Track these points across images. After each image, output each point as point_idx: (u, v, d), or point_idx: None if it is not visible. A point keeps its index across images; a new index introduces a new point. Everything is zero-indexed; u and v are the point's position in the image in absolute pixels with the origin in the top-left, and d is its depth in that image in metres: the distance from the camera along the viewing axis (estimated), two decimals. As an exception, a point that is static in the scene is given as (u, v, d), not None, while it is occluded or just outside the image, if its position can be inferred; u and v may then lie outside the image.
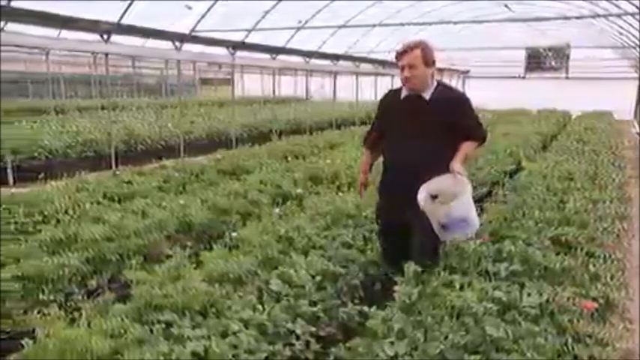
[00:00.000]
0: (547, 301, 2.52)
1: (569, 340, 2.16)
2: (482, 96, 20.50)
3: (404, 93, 2.89)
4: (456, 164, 2.71)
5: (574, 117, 17.08)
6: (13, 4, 5.69)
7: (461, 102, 2.92)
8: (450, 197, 2.59)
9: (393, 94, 3.04)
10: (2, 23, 5.85)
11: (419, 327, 2.47)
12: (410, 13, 11.72)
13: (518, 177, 6.22)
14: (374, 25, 11.15)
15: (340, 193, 5.44)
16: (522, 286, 2.76)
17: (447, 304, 2.60)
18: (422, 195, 2.61)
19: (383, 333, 2.47)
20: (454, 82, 22.95)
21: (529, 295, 2.59)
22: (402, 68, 2.74)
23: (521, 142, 8.99)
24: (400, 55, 2.76)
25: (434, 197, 2.64)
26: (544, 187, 5.20)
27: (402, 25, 11.52)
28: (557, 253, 3.22)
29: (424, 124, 2.79)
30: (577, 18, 11.14)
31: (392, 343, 2.36)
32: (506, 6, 10.82)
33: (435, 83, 2.83)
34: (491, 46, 16.85)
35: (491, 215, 4.23)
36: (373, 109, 13.20)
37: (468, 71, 22.68)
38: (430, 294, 2.78)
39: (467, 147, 2.84)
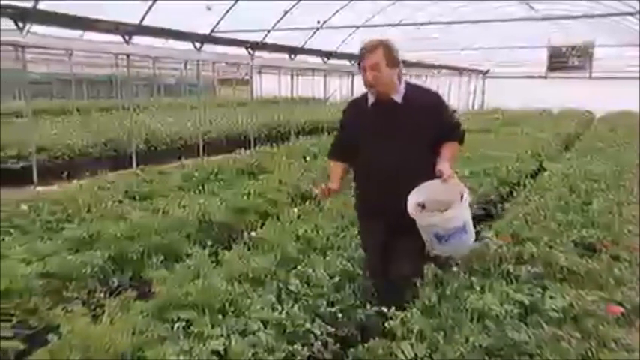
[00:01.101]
0: (570, 304, 2.47)
1: (594, 345, 2.11)
2: (502, 96, 20.33)
3: (371, 99, 2.58)
4: (445, 167, 2.38)
5: (598, 117, 16.75)
6: (39, 6, 5.81)
7: (436, 101, 2.62)
8: (443, 205, 2.25)
9: (359, 102, 2.70)
10: (28, 25, 5.98)
11: (439, 329, 2.45)
12: (429, 12, 11.64)
13: (540, 178, 6.12)
14: (393, 25, 11.08)
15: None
16: (544, 288, 2.71)
17: (468, 307, 2.58)
18: (411, 203, 2.31)
19: (402, 334, 2.45)
20: (473, 82, 22.74)
21: (552, 298, 2.55)
22: (364, 70, 2.45)
23: (543, 143, 8.85)
24: (361, 56, 2.47)
25: (421, 206, 2.32)
26: (567, 188, 5.10)
27: (422, 24, 11.45)
28: (581, 256, 3.16)
29: (400, 129, 2.50)
30: (601, 16, 10.90)
31: (412, 344, 2.34)
32: (528, 4, 10.65)
33: (404, 84, 2.55)
34: (512, 46, 16.61)
35: (512, 216, 4.17)
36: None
37: (487, 71, 22.40)
38: (450, 296, 2.76)
39: (450, 148, 2.56)
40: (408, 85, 2.57)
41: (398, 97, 2.51)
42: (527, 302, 2.53)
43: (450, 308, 2.62)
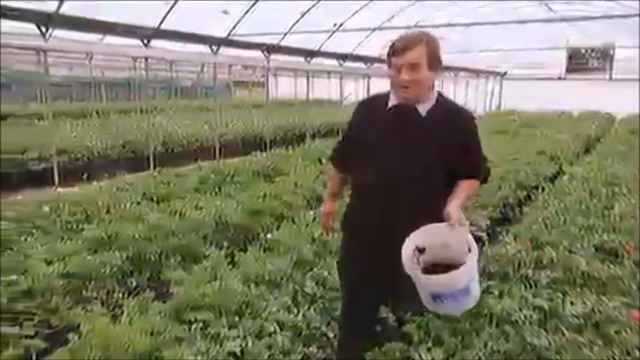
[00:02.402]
0: (592, 310, 2.43)
1: (617, 353, 2.07)
2: (520, 98, 20.08)
3: (392, 101, 2.02)
4: (454, 209, 1.84)
5: (618, 119, 16.46)
6: (61, 11, 5.93)
7: (467, 124, 2.03)
8: (447, 251, 1.83)
9: (376, 101, 2.13)
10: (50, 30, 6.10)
11: (456, 333, 2.43)
12: (447, 14, 11.57)
13: (559, 181, 6.03)
14: (409, 27, 11.04)
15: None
16: (565, 294, 2.67)
17: (486, 311, 2.55)
18: (408, 250, 1.80)
19: (419, 338, 2.44)
20: (491, 84, 22.51)
21: (572, 303, 2.51)
22: (399, 69, 1.88)
23: (562, 145, 8.72)
24: (398, 50, 1.89)
25: (420, 251, 1.86)
26: (587, 192, 5.02)
27: (439, 26, 11.38)
28: (602, 261, 3.10)
29: (416, 145, 1.95)
30: (622, 17, 10.71)
31: (429, 349, 2.33)
32: (546, 5, 10.52)
33: (436, 94, 2.00)
34: (530, 47, 16.42)
35: (531, 220, 4.12)
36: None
37: (505, 73, 22.18)
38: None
39: (466, 187, 2.00)
40: (440, 96, 2.01)
41: (423, 109, 1.96)
42: (546, 307, 2.49)
43: (468, 312, 2.60)
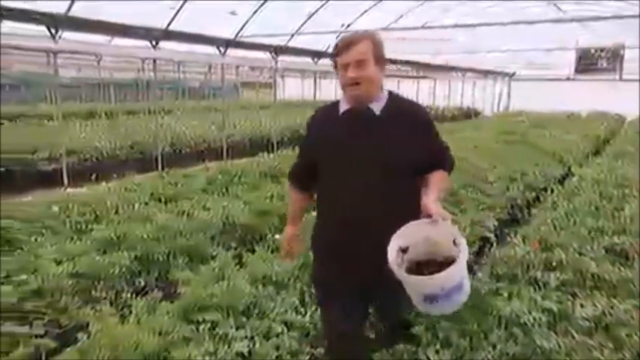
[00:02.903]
0: (602, 313, 2.41)
1: (628, 356, 2.05)
2: (528, 99, 19.97)
3: (344, 106, 1.94)
4: (432, 204, 1.76)
5: (628, 120, 16.31)
6: (70, 14, 5.98)
7: (424, 117, 1.99)
8: (434, 246, 1.75)
9: (327, 110, 2.05)
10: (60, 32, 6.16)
11: (465, 335, 2.42)
12: (454, 15, 11.53)
13: (568, 183, 5.98)
14: (417, 28, 11.02)
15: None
16: (574, 296, 2.65)
17: (494, 313, 2.54)
18: (392, 253, 1.70)
19: (427, 340, 2.43)
20: (499, 85, 22.41)
21: (582, 306, 2.49)
22: (346, 67, 1.84)
23: (571, 147, 8.65)
24: (343, 49, 1.85)
25: (403, 251, 1.76)
26: (597, 193, 4.98)
27: (447, 27, 11.35)
28: (613, 263, 3.07)
29: (376, 146, 1.87)
30: (632, 17, 10.60)
31: (437, 351, 2.32)
32: (555, 5, 10.45)
33: (386, 93, 1.95)
34: (539, 48, 16.31)
35: (540, 222, 4.09)
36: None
37: (513, 73, 22.07)
38: (476, 302, 2.72)
39: (438, 179, 1.93)
40: (391, 94, 1.96)
41: (377, 108, 1.89)
42: (556, 310, 2.48)
43: (476, 314, 2.59)
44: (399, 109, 1.92)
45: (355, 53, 1.83)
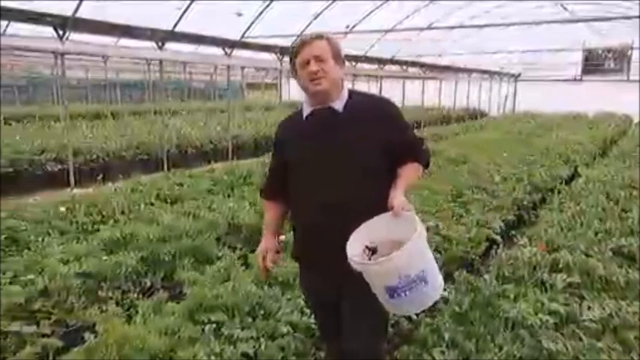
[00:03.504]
0: (610, 315, 2.39)
1: (636, 359, 2.04)
2: (534, 100, 19.88)
3: (307, 110, 1.91)
4: (398, 196, 1.70)
5: (636, 121, 16.21)
6: (77, 15, 6.01)
7: (387, 109, 1.90)
8: (397, 245, 1.58)
9: (292, 117, 2.02)
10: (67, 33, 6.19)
11: (470, 337, 2.41)
12: (459, 15, 11.49)
13: (575, 184, 5.95)
14: (422, 29, 10.99)
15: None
16: (582, 298, 2.64)
17: (501, 315, 2.53)
18: (353, 249, 1.64)
19: (433, 341, 2.42)
20: (505, 86, 22.32)
21: (589, 308, 2.48)
22: (305, 64, 1.80)
23: (578, 148, 8.60)
24: (300, 47, 1.83)
25: (372, 250, 1.67)
26: (603, 195, 4.95)
27: (452, 28, 11.32)
28: (620, 266, 3.05)
29: (340, 146, 1.81)
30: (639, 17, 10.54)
31: (442, 352, 2.31)
32: (562, 5, 10.40)
33: (347, 91, 1.91)
34: (545, 48, 16.23)
35: (546, 223, 4.07)
36: (414, 116, 12.93)
37: (519, 74, 21.98)
38: (482, 303, 2.71)
39: (408, 172, 1.84)
40: (352, 92, 1.92)
41: (339, 105, 1.85)
42: (563, 312, 2.47)
43: (482, 316, 2.58)
44: (361, 104, 1.87)
45: (314, 48, 1.80)
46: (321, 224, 1.82)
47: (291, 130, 1.96)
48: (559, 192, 5.39)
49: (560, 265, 3.09)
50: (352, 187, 1.78)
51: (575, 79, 19.01)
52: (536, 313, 2.44)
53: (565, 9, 10.50)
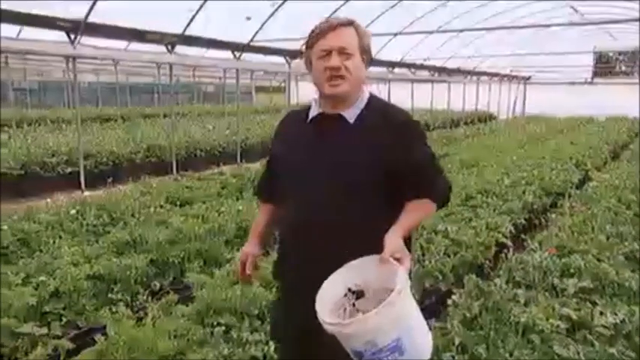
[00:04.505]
0: (622, 321, 2.36)
1: (650, 365, 2.01)
2: (545, 103, 19.75)
3: (314, 110, 1.57)
4: (393, 238, 1.38)
5: (647, 124, 16.03)
6: (89, 20, 6.08)
7: (411, 128, 1.55)
8: (380, 295, 1.29)
9: (297, 115, 1.68)
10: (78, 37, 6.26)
11: (481, 342, 2.39)
12: (469, 18, 11.46)
13: (586, 188, 5.89)
14: (431, 32, 10.98)
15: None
16: (594, 304, 2.61)
17: (511, 320, 2.51)
18: (333, 292, 1.35)
19: (442, 346, 2.41)
20: (514, 89, 22.18)
21: (602, 314, 2.44)
22: (327, 54, 1.45)
23: (589, 151, 8.53)
24: (323, 33, 1.46)
25: (356, 294, 1.37)
26: (615, 199, 4.90)
27: (461, 31, 11.29)
28: (633, 271, 3.02)
29: (340, 166, 1.47)
30: (651, 19, 10.44)
31: (452, 356, 2.30)
32: (572, 7, 10.34)
33: (366, 96, 1.55)
34: (555, 51, 16.13)
35: (557, 227, 4.04)
36: (422, 119, 12.95)
37: (529, 77, 21.86)
38: (492, 308, 2.69)
39: (415, 211, 1.50)
40: (373, 98, 1.56)
41: (351, 114, 1.50)
42: (575, 317, 2.44)
43: (493, 320, 2.56)
44: (379, 117, 1.51)
45: (339, 37, 1.45)
46: (305, 243, 1.51)
47: (292, 131, 1.65)
48: (570, 196, 5.34)
49: (572, 270, 3.06)
50: (350, 214, 1.46)
51: (585, 82, 18.86)
52: (547, 318, 2.41)
53: (576, 11, 10.43)
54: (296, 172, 1.55)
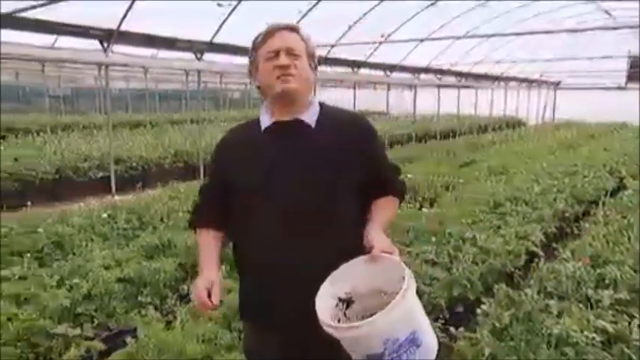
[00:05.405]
0: (662, 335, 2.27)
1: (692, 382, 1.93)
2: (575, 108, 19.28)
3: (266, 120, 1.50)
4: (377, 236, 1.37)
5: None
6: (121, 29, 6.25)
7: (368, 131, 1.56)
8: (380, 295, 1.30)
9: (244, 130, 1.60)
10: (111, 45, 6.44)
11: (512, 353, 2.34)
12: (497, 24, 11.30)
13: (621, 196, 5.71)
14: (459, 37, 10.86)
15: (424, 209, 5.32)
16: (631, 317, 2.52)
17: (543, 331, 2.44)
18: (323, 305, 1.27)
19: (472, 356, 2.36)
20: (544, 94, 21.74)
21: (640, 327, 2.36)
22: (275, 55, 1.43)
23: (624, 158, 8.28)
24: (269, 35, 1.46)
25: (346, 302, 1.33)
26: (652, 207, 4.73)
27: (489, 36, 11.13)
28: (672, 282, 2.90)
29: (312, 169, 1.43)
30: (689, 22, 10.09)
31: (482, 368, 2.25)
32: (606, 12, 10.08)
33: (317, 102, 1.54)
34: (587, 56, 15.74)
35: (590, 237, 3.92)
36: (449, 125, 12.83)
37: (559, 82, 21.39)
38: (523, 318, 2.62)
39: (384, 207, 1.53)
40: (323, 104, 1.55)
41: (309, 118, 1.48)
42: (611, 330, 2.36)
43: (524, 331, 2.50)
44: (336, 121, 1.51)
45: (286, 39, 1.45)
46: (282, 266, 1.39)
47: (243, 147, 1.51)
48: (604, 204, 5.18)
49: (607, 281, 2.97)
50: (321, 220, 1.41)
51: (619, 87, 18.34)
52: (581, 331, 2.34)
53: (609, 15, 10.17)
54: (262, 189, 1.43)
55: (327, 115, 1.51)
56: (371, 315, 1.19)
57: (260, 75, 1.46)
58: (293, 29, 1.48)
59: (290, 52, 1.42)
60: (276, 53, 1.42)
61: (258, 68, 1.46)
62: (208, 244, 1.58)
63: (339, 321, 1.29)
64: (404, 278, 1.21)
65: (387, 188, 1.55)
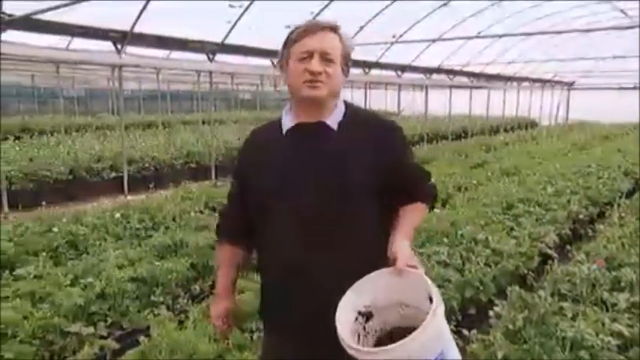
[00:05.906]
0: (680, 339, 2.23)
1: None
2: (589, 109, 19.05)
3: (288, 122, 1.44)
4: (402, 247, 1.29)
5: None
6: (135, 30, 6.31)
7: (395, 133, 1.47)
8: (402, 308, 1.27)
9: (265, 132, 1.55)
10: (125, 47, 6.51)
11: (525, 356, 2.31)
12: (509, 23, 11.20)
13: (637, 197, 5.63)
14: (471, 38, 10.79)
15: (436, 210, 5.29)
16: (648, 320, 2.48)
17: (558, 334, 2.41)
18: (344, 319, 1.21)
19: (485, 359, 2.35)
20: (557, 95, 21.51)
21: (657, 331, 2.32)
22: (309, 56, 1.34)
23: (638, 159, 8.16)
24: (306, 33, 1.36)
25: (365, 316, 1.28)
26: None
27: (501, 36, 11.04)
28: (690, 286, 2.85)
29: (332, 174, 1.38)
30: None
31: (496, 371, 2.23)
32: (622, 11, 9.95)
33: (343, 104, 1.46)
34: (601, 56, 15.55)
35: (605, 239, 3.87)
36: (461, 126, 12.75)
37: (572, 83, 21.15)
38: (537, 321, 2.60)
39: (412, 214, 1.46)
40: (349, 105, 1.48)
41: (332, 121, 1.42)
42: (627, 334, 2.33)
43: (538, 334, 2.47)
44: (360, 124, 1.44)
45: (324, 41, 1.35)
46: (302, 272, 1.36)
47: (266, 150, 1.47)
48: (619, 206, 5.11)
49: (623, 284, 2.93)
50: (345, 227, 1.36)
51: (634, 87, 18.08)
52: (597, 334, 2.31)
53: (625, 14, 10.03)
54: (284, 193, 1.39)
55: (352, 117, 1.44)
56: (390, 330, 1.19)
57: (290, 73, 1.38)
58: (332, 29, 1.38)
59: (324, 57, 1.34)
60: (310, 55, 1.34)
61: (289, 64, 1.38)
62: (224, 260, 1.61)
63: (358, 337, 1.25)
64: (430, 295, 1.16)
65: (414, 194, 1.47)
